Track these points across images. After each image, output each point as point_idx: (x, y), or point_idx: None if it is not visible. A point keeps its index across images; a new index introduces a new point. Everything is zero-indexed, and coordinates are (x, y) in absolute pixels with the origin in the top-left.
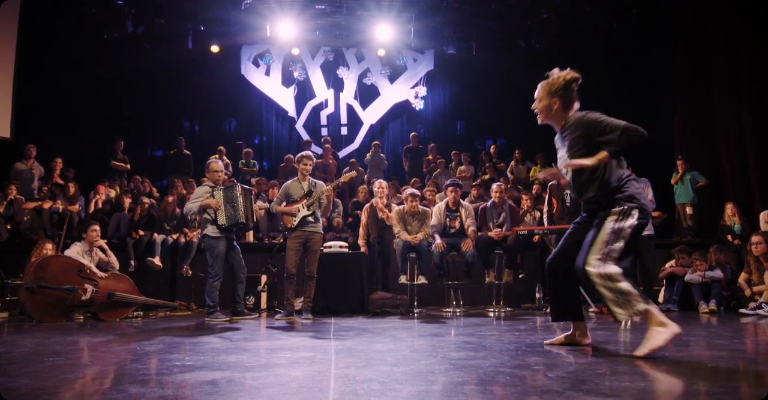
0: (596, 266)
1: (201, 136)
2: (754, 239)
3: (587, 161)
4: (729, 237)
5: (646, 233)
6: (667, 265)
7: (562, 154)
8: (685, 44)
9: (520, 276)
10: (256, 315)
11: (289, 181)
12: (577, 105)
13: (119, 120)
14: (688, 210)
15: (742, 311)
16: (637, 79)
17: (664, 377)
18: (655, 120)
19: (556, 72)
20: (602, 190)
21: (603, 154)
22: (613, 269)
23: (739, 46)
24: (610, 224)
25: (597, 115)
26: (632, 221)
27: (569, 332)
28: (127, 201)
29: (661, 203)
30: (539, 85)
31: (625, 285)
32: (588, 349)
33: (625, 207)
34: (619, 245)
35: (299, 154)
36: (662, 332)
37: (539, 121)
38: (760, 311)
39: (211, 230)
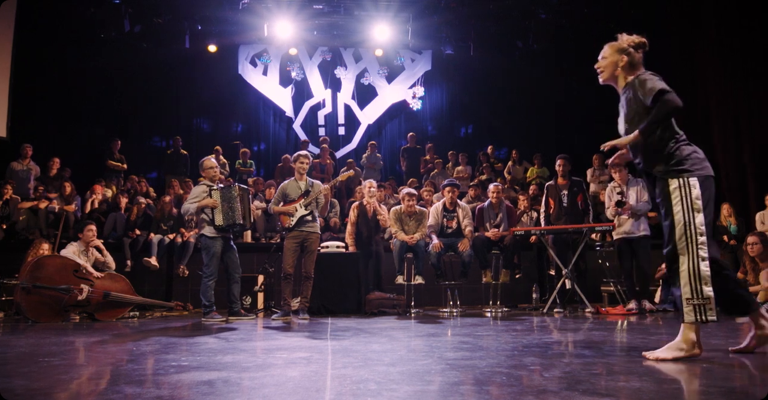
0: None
1: (198, 135)
2: (750, 239)
3: (621, 141)
4: (725, 237)
5: (642, 233)
6: (664, 265)
7: (621, 116)
8: (682, 46)
9: (517, 276)
10: (252, 316)
11: (286, 181)
12: (642, 71)
13: (116, 119)
14: None
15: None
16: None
17: (660, 376)
18: None
19: (624, 35)
20: (656, 160)
21: (634, 134)
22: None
23: (735, 49)
24: (677, 207)
25: (645, 75)
26: (696, 190)
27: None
28: (124, 201)
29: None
30: (606, 45)
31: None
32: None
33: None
34: (700, 218)
35: (296, 154)
36: (682, 350)
37: (601, 80)
38: None
39: (208, 230)
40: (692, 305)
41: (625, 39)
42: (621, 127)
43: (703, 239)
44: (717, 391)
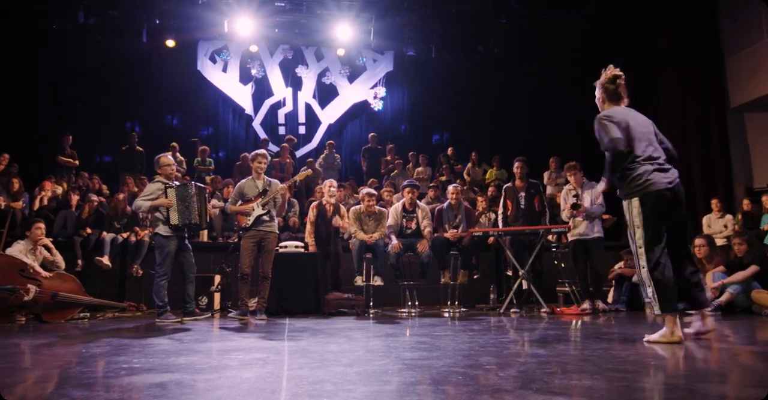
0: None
1: (155, 132)
2: (698, 241)
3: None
4: None
5: (595, 235)
6: (616, 266)
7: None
8: (635, 53)
9: (475, 277)
10: (207, 315)
11: (243, 181)
12: (624, 100)
13: (68, 114)
14: None
15: (687, 311)
16: (590, 86)
17: (610, 374)
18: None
19: (605, 71)
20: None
21: (605, 184)
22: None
23: (683, 56)
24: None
25: (598, 122)
26: (636, 209)
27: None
28: (75, 198)
29: (611, 206)
30: (596, 83)
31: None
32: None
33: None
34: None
35: (254, 153)
36: (664, 336)
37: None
38: None
39: (162, 229)
40: (648, 303)
41: (605, 73)
42: None
43: (641, 250)
44: (664, 388)
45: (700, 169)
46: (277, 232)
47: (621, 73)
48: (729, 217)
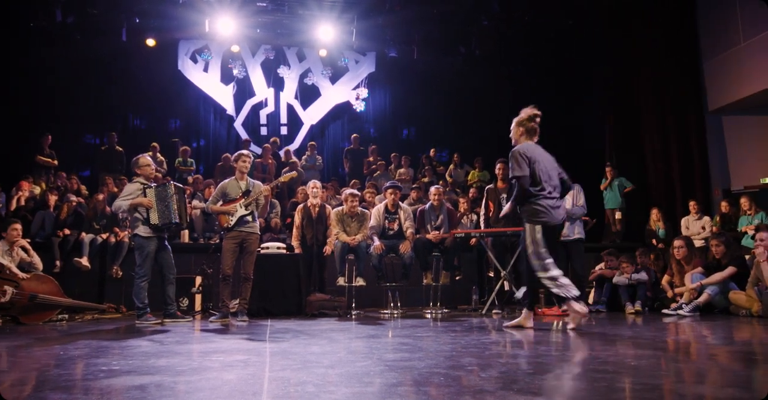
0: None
1: (134, 132)
2: (676, 243)
3: (505, 210)
4: (654, 241)
5: (576, 236)
6: (597, 267)
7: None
8: (613, 57)
9: (457, 278)
10: (189, 318)
11: (226, 181)
12: (535, 138)
13: (47, 113)
14: (617, 215)
15: (665, 311)
16: (571, 89)
17: (591, 374)
18: (588, 128)
19: (524, 110)
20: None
21: (510, 206)
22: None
23: (661, 61)
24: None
25: (513, 156)
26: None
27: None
28: (53, 198)
29: (592, 208)
30: (513, 121)
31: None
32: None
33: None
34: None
35: (237, 153)
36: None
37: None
38: (680, 311)
39: (142, 230)
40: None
41: (523, 112)
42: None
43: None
44: (642, 388)
45: (678, 171)
46: (259, 233)
47: (539, 112)
48: (707, 218)
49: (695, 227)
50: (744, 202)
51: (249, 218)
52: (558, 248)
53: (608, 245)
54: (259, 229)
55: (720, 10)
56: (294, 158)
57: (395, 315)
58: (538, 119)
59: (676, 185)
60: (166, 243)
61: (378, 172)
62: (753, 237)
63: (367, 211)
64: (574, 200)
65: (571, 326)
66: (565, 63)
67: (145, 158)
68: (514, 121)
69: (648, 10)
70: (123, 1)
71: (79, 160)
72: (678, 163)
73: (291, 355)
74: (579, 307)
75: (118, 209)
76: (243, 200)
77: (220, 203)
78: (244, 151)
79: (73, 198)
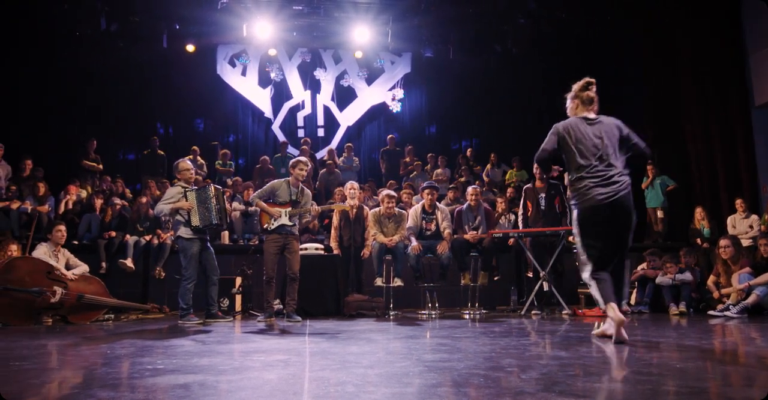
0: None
1: (176, 136)
2: (723, 242)
3: None
4: (698, 240)
5: None
6: (639, 267)
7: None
8: (654, 53)
9: (495, 279)
10: (230, 318)
11: (279, 181)
12: (593, 106)
13: (92, 119)
14: (659, 214)
15: (711, 312)
16: (610, 86)
17: (634, 377)
18: (628, 125)
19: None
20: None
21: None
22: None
23: (704, 55)
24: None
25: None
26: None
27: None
28: (99, 202)
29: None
30: (568, 96)
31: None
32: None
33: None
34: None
35: (295, 159)
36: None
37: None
38: (727, 313)
39: (184, 232)
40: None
41: (575, 86)
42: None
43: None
44: (688, 391)
45: (724, 169)
46: (298, 234)
47: (593, 80)
48: (754, 217)
49: (742, 225)
50: None
51: (290, 223)
52: (619, 235)
53: (651, 244)
54: (297, 230)
55: (765, 2)
56: (336, 158)
57: (433, 316)
58: (593, 88)
59: (720, 183)
60: (209, 244)
61: (415, 172)
62: None
63: (404, 211)
64: None
65: (612, 335)
66: (603, 59)
67: (185, 163)
68: (568, 96)
69: (691, 4)
70: (163, 8)
71: (122, 164)
72: (723, 160)
73: (330, 355)
74: (614, 313)
75: (160, 212)
76: (290, 208)
77: (267, 201)
78: (303, 159)
79: (118, 201)
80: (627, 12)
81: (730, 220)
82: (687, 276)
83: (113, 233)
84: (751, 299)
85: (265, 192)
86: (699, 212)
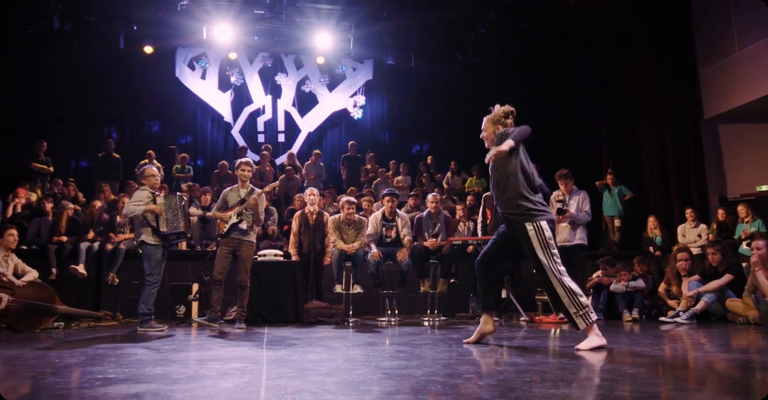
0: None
1: (132, 139)
2: (681, 255)
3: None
4: (651, 248)
5: (577, 242)
6: (594, 275)
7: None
8: (611, 66)
9: (451, 281)
10: (164, 327)
11: (228, 188)
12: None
13: (43, 120)
14: (616, 222)
15: (662, 319)
16: (569, 96)
17: (588, 382)
18: (585, 135)
19: (496, 107)
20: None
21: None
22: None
23: (658, 70)
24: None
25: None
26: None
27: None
28: (49, 205)
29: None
30: (484, 119)
31: (584, 299)
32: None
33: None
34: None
35: (238, 161)
36: (598, 339)
37: (487, 146)
38: (678, 319)
39: (150, 238)
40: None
41: (497, 111)
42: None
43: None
44: (641, 396)
45: (675, 179)
46: (254, 241)
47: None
48: (703, 226)
49: (692, 234)
50: (741, 209)
51: (242, 225)
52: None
53: (606, 252)
54: (255, 238)
55: (715, 18)
56: (297, 162)
57: (392, 323)
58: (513, 115)
59: (672, 193)
60: (166, 252)
61: (378, 179)
62: (749, 244)
63: (364, 218)
64: (580, 205)
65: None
66: (561, 70)
67: (151, 169)
68: (488, 120)
69: (644, 18)
70: (121, 9)
71: (75, 166)
72: (675, 171)
73: (288, 363)
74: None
75: (131, 212)
76: (237, 207)
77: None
78: (244, 160)
79: (70, 205)
80: (584, 25)
81: (680, 229)
82: (640, 283)
83: (64, 238)
84: (700, 305)
85: (221, 202)
86: (652, 221)
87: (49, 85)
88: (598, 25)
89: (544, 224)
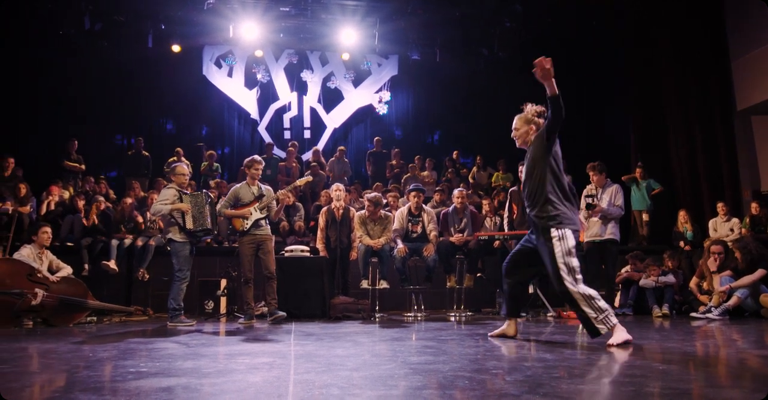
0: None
1: (160, 137)
2: (714, 248)
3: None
4: (681, 243)
5: (609, 236)
6: (623, 270)
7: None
8: (639, 58)
9: (478, 275)
10: (192, 322)
11: (237, 185)
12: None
13: (74, 119)
14: (644, 217)
15: (693, 314)
16: (596, 89)
17: (618, 378)
18: (613, 129)
19: (528, 106)
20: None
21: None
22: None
23: (689, 60)
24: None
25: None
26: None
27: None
28: (81, 203)
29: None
30: (516, 118)
31: (602, 303)
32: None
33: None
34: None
35: (250, 159)
36: (624, 333)
37: (518, 145)
38: (709, 315)
39: (177, 235)
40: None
41: (529, 110)
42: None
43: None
44: (671, 393)
45: (706, 173)
46: (272, 235)
47: (544, 108)
48: (735, 220)
49: (724, 229)
50: None
51: (263, 221)
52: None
53: (635, 247)
54: (270, 230)
55: (748, 8)
56: (322, 158)
57: (419, 318)
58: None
59: (703, 186)
60: (194, 249)
61: (408, 174)
62: None
63: (390, 214)
64: (612, 199)
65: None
66: (589, 64)
67: (183, 167)
68: (520, 119)
69: (675, 9)
70: (149, 8)
71: (107, 164)
72: (705, 164)
73: (315, 357)
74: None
75: (159, 212)
76: (257, 203)
77: (232, 207)
78: (257, 157)
79: (101, 199)
80: (613, 18)
81: (711, 223)
82: (670, 278)
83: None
84: (732, 301)
85: (230, 199)
86: (682, 215)
87: (80, 85)
88: (626, 15)
89: (569, 232)
